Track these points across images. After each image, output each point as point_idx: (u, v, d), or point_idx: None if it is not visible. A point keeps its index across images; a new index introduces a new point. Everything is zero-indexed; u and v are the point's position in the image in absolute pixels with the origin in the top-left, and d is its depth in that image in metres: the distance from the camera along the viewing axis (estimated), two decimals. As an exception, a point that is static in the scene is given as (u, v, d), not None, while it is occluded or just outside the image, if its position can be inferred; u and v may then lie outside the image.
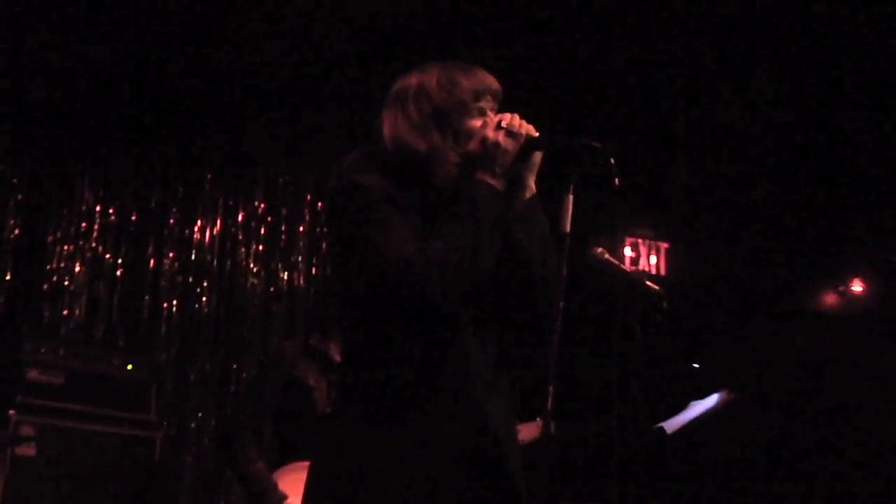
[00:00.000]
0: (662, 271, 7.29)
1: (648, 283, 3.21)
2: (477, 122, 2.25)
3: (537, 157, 2.27)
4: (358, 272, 2.12)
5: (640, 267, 7.23)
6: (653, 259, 7.30)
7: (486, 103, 2.28)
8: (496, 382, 2.24)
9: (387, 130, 2.27)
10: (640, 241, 7.28)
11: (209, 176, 6.42)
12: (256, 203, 6.51)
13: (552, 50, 5.86)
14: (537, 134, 2.23)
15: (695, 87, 6.18)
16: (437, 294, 2.06)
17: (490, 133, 2.21)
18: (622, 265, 3.30)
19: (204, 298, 6.23)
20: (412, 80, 2.30)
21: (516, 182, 2.26)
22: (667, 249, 7.36)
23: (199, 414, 6.00)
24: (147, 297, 6.10)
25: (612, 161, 2.10)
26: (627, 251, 7.22)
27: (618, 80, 6.12)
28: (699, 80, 6.07)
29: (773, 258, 7.09)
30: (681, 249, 7.35)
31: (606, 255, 3.25)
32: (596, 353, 5.61)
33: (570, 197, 2.14)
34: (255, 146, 6.50)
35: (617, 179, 2.08)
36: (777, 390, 6.70)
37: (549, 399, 2.05)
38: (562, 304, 2.09)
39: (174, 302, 6.15)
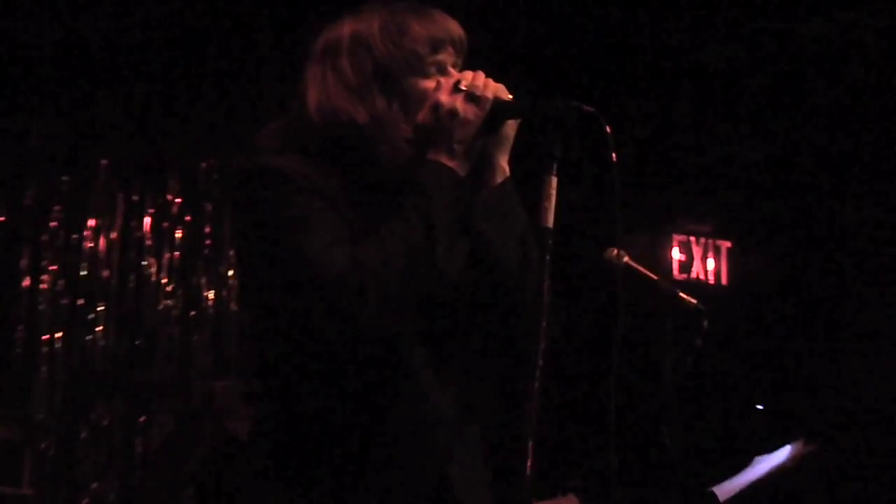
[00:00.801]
0: (723, 279, 7.31)
1: (683, 295, 3.19)
2: (431, 83, 2.24)
3: (510, 128, 2.26)
4: (269, 288, 2.11)
5: (694, 273, 7.24)
6: (710, 263, 7.32)
7: (446, 56, 2.28)
8: (463, 435, 2.23)
9: (312, 96, 2.25)
10: (692, 238, 7.29)
11: (104, 161, 6.40)
12: (169, 196, 6.51)
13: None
14: (509, 97, 2.22)
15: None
16: (374, 316, 2.04)
17: (444, 97, 2.19)
18: (647, 272, 3.28)
19: (99, 328, 6.21)
20: (345, 28, 2.29)
21: (483, 162, 2.25)
22: (729, 250, 7.36)
23: (94, 485, 5.97)
24: (20, 328, 6.09)
25: (609, 131, 2.07)
26: (676, 253, 7.23)
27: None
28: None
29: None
30: (748, 250, 7.35)
31: (626, 259, 3.24)
32: (610, 394, 5.59)
33: (553, 180, 2.11)
34: (166, 120, 6.49)
35: (614, 154, 2.05)
36: (872, 440, 6.69)
37: (529, 459, 2.01)
38: (544, 325, 2.06)
39: (57, 334, 6.13)
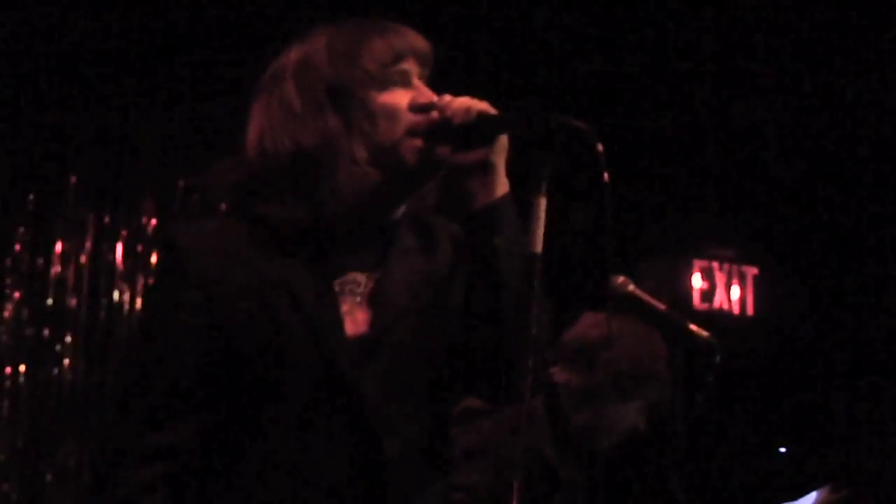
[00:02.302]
0: (749, 308, 7.29)
1: (693, 327, 3.18)
2: (395, 95, 2.24)
3: (503, 140, 2.26)
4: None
5: (717, 303, 7.23)
6: (735, 291, 7.30)
7: (409, 66, 2.28)
8: (426, 486, 2.25)
9: (253, 129, 2.28)
10: (715, 264, 7.28)
11: (73, 179, 6.41)
12: (144, 218, 6.50)
13: None
14: (494, 112, 2.23)
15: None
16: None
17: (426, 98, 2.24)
18: (654, 302, 3.27)
19: (66, 361, 6.22)
20: (291, 53, 2.31)
21: (485, 174, 2.24)
22: (755, 277, 7.35)
23: (60, 533, 6.00)
24: (-21, 361, 6.08)
25: (601, 149, 2.07)
26: (697, 280, 7.21)
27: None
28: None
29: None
30: (776, 277, 7.34)
31: (631, 287, 3.23)
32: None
33: (543, 202, 2.11)
34: (141, 135, 6.49)
35: (606, 175, 2.05)
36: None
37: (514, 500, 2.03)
38: (532, 360, 2.07)
39: (21, 367, 6.14)
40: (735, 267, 7.33)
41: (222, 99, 6.45)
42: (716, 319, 6.90)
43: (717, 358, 3.12)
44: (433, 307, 2.30)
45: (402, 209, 2.35)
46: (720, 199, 7.14)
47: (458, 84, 2.30)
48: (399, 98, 2.25)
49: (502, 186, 2.25)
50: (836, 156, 7.12)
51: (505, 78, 6.31)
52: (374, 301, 2.28)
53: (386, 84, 2.25)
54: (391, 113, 2.23)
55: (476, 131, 2.22)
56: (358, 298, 2.27)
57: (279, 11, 6.29)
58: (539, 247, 2.11)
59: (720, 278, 7.27)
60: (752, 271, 7.37)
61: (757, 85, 6.85)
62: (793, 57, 6.67)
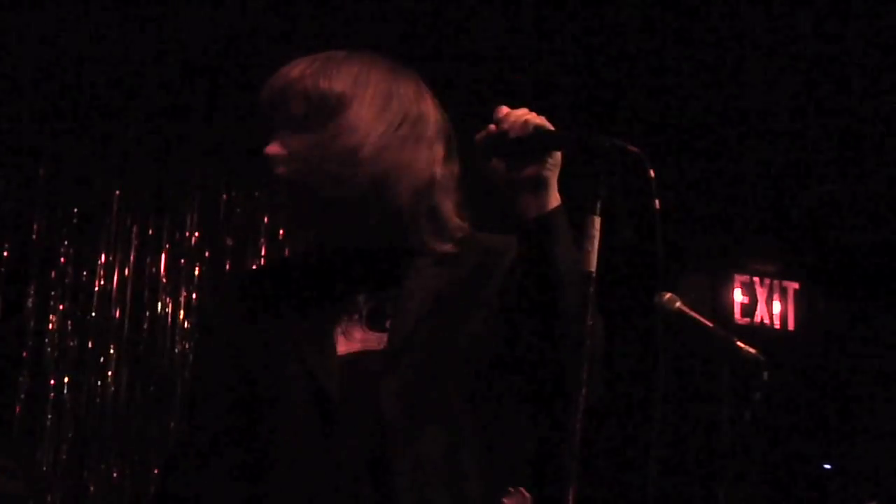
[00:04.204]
0: (790, 323, 7.26)
1: (741, 344, 3.17)
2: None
3: (557, 156, 2.29)
4: None
5: (758, 317, 7.20)
6: (776, 306, 7.27)
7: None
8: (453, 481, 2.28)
9: None
10: (756, 279, 7.25)
11: (117, 192, 6.44)
12: (188, 231, 6.53)
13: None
14: (551, 128, 2.26)
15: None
16: None
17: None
18: (702, 318, 3.26)
19: (110, 373, 6.24)
20: None
21: (538, 187, 2.28)
22: (797, 291, 7.32)
23: (104, 542, 6.02)
24: (24, 373, 6.11)
25: (653, 174, 2.09)
26: (738, 295, 7.19)
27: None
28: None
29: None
30: (818, 292, 7.31)
31: (678, 304, 3.21)
32: (660, 450, 5.58)
33: (597, 220, 2.12)
34: (184, 148, 6.53)
35: (657, 201, 2.07)
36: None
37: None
38: (585, 375, 2.08)
39: (65, 379, 6.15)
40: (776, 282, 7.30)
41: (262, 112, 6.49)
42: (757, 334, 6.88)
43: (765, 375, 3.11)
44: (455, 319, 2.33)
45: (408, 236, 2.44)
46: (761, 214, 7.12)
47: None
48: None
49: (554, 200, 2.28)
50: (877, 172, 7.09)
51: (559, 99, 6.33)
52: (380, 319, 2.33)
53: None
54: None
55: (531, 146, 2.25)
56: (356, 317, 2.35)
57: (322, 26, 6.33)
58: (593, 265, 2.12)
59: (761, 293, 7.25)
60: (793, 286, 7.34)
61: (799, 104, 6.84)
62: (835, 79, 6.66)
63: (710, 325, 3.25)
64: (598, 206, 2.15)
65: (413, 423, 2.26)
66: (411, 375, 2.27)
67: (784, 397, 6.55)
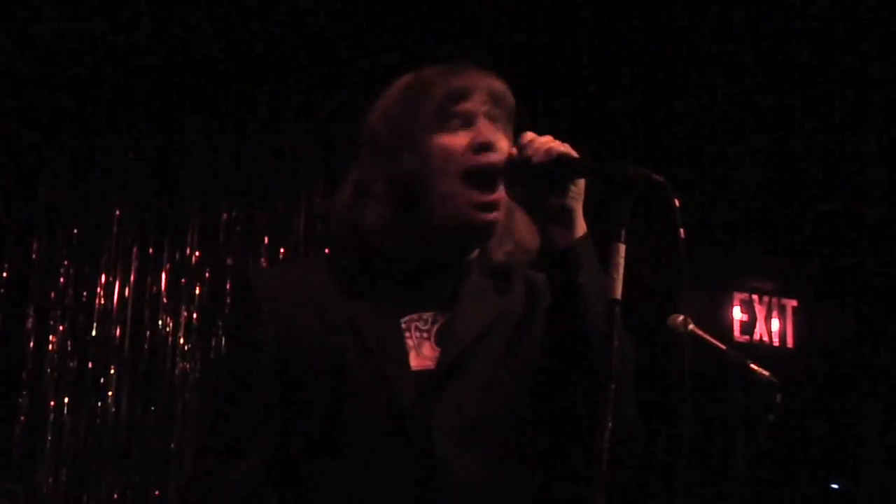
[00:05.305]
0: (789, 341, 7.26)
1: (754, 366, 3.18)
2: (452, 137, 2.32)
3: (581, 185, 2.30)
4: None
5: (757, 335, 7.20)
6: (774, 323, 7.26)
7: (473, 105, 2.34)
8: None
9: (357, 166, 2.45)
10: (755, 297, 7.25)
11: (117, 212, 6.44)
12: (188, 250, 6.53)
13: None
14: (575, 155, 2.26)
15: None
16: None
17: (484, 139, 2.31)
18: (714, 341, 3.27)
19: (110, 393, 6.23)
20: (382, 100, 2.43)
21: (564, 216, 2.29)
22: (795, 309, 7.32)
23: (105, 563, 6.01)
24: (24, 393, 6.10)
25: (678, 204, 2.09)
26: (737, 312, 7.19)
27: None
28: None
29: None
30: (817, 310, 7.31)
31: (691, 326, 3.22)
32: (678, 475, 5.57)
33: (622, 248, 2.12)
34: (185, 168, 6.53)
35: (682, 231, 2.07)
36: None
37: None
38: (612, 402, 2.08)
39: (65, 399, 6.14)
40: (775, 299, 7.30)
41: (265, 133, 6.50)
42: (756, 351, 6.86)
43: (778, 397, 3.12)
44: (507, 345, 2.34)
45: (475, 251, 2.40)
46: (760, 232, 7.12)
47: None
48: (456, 140, 2.31)
49: (580, 229, 2.29)
50: (873, 191, 7.10)
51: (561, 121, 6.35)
52: (443, 337, 2.32)
53: (444, 126, 2.31)
54: (445, 156, 2.29)
55: (554, 173, 2.25)
56: (425, 335, 2.32)
57: (319, 50, 6.35)
58: (619, 292, 2.12)
59: (760, 311, 7.24)
60: (791, 304, 7.33)
61: (796, 121, 6.87)
62: (833, 98, 6.70)
63: (724, 347, 3.26)
64: (623, 233, 2.15)
65: (466, 448, 2.26)
66: (466, 400, 2.28)
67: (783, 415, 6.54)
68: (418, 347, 2.31)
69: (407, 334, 2.32)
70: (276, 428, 2.29)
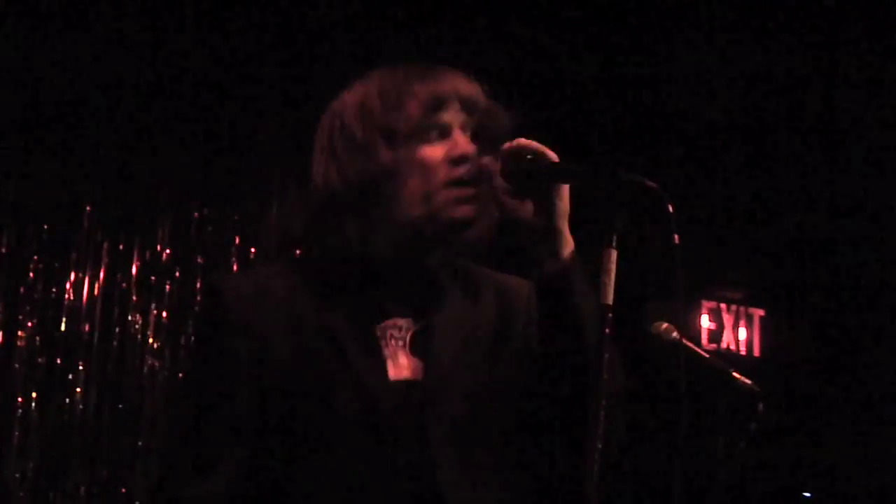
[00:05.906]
0: (756, 350, 7.29)
1: (737, 375, 3.18)
2: (435, 148, 2.31)
3: (564, 192, 2.27)
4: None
5: (724, 343, 7.23)
6: (742, 332, 7.29)
7: (451, 116, 2.32)
8: None
9: (317, 164, 2.44)
10: (723, 306, 7.28)
11: (88, 208, 6.40)
12: (158, 247, 6.49)
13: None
14: (556, 160, 2.26)
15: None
16: None
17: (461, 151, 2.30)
18: (699, 349, 3.28)
19: (78, 389, 6.18)
20: (350, 95, 2.40)
21: (549, 233, 2.28)
22: (762, 318, 7.35)
23: (70, 560, 5.95)
24: (-8, 388, 6.03)
25: (672, 209, 2.08)
26: (705, 321, 7.21)
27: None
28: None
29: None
30: (783, 319, 7.34)
31: (675, 334, 3.23)
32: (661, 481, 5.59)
33: (613, 254, 2.12)
34: (156, 164, 6.49)
35: (676, 236, 2.07)
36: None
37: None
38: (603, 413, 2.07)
39: (33, 394, 6.10)
40: (742, 309, 7.33)
41: (236, 130, 6.47)
42: (723, 359, 6.90)
43: (760, 406, 3.13)
44: (485, 354, 2.33)
45: (446, 254, 2.39)
46: (729, 242, 7.15)
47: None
48: (434, 151, 2.30)
49: (567, 247, 2.28)
50: (842, 201, 7.14)
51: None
52: (421, 348, 2.30)
53: (425, 137, 2.31)
54: (423, 169, 2.28)
55: (538, 179, 2.24)
56: (400, 343, 2.30)
57: (292, 48, 6.34)
58: (610, 298, 2.12)
59: (728, 319, 7.27)
60: (758, 313, 7.37)
61: (767, 132, 6.92)
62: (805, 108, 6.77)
63: (707, 355, 3.27)
64: (615, 239, 2.15)
65: (461, 459, 2.24)
66: (457, 411, 2.26)
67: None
68: (394, 357, 2.30)
69: (383, 342, 2.30)
70: (247, 441, 2.26)
